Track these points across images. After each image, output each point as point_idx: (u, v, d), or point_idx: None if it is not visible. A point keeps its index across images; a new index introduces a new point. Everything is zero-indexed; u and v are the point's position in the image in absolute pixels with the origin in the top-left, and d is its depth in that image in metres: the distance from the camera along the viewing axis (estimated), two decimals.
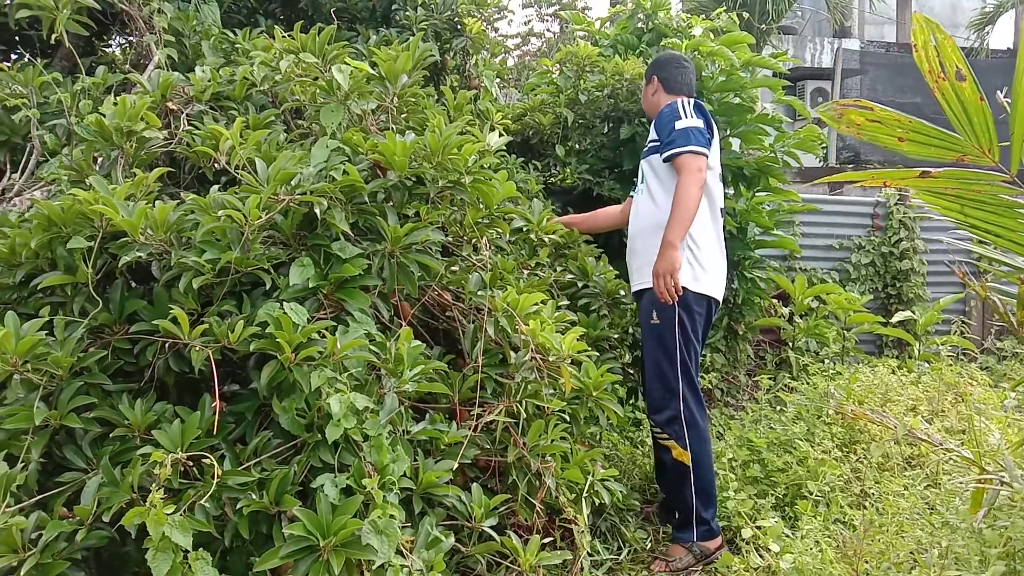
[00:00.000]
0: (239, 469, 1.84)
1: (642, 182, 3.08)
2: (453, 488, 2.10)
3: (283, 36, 2.79)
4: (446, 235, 2.53)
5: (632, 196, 3.28)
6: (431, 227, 2.29)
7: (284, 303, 1.92)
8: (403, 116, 2.85)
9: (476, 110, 3.73)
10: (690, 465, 2.82)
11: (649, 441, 3.30)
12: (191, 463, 1.79)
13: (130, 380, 2.03)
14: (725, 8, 5.03)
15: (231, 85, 2.79)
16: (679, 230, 2.76)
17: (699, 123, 2.86)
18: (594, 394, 2.62)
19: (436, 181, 2.36)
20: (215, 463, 1.75)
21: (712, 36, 4.25)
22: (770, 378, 4.57)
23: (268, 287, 2.02)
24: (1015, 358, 5.97)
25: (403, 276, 2.21)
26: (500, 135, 2.76)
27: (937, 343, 5.42)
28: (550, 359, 2.39)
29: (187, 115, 2.60)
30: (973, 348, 5.75)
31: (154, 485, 1.65)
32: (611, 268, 3.39)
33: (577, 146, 4.22)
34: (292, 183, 2.11)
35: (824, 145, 4.44)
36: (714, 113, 3.75)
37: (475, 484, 2.19)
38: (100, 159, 2.44)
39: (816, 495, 3.06)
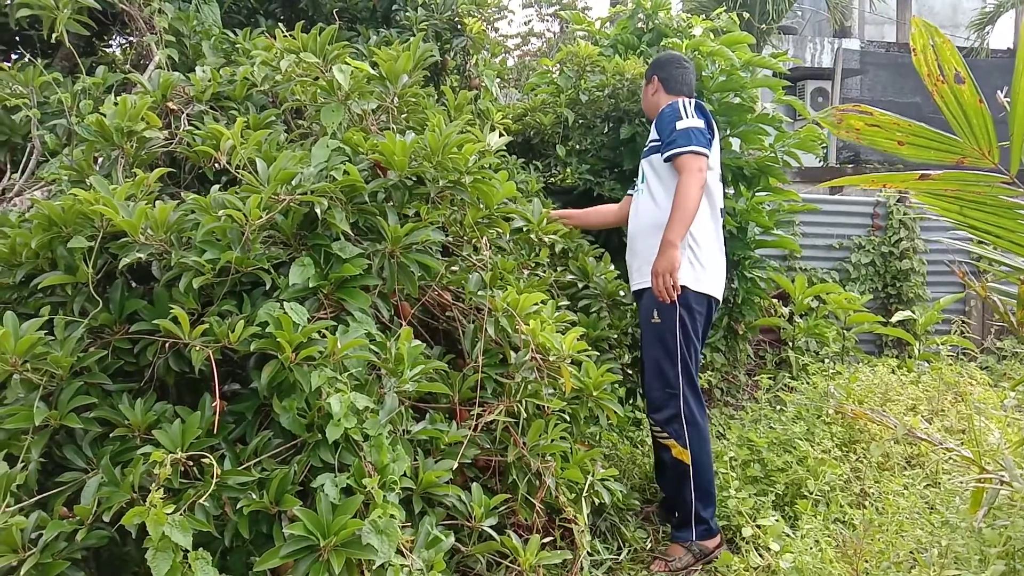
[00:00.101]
0: (239, 469, 1.84)
1: (642, 182, 3.09)
2: (453, 488, 2.10)
3: (284, 36, 2.79)
4: (446, 235, 2.53)
5: (630, 195, 3.29)
6: (431, 227, 2.29)
7: (284, 303, 1.92)
8: (403, 116, 2.85)
9: (476, 110, 3.72)
10: (690, 464, 2.83)
11: (649, 441, 3.30)
12: (191, 463, 1.79)
13: (130, 380, 2.02)
14: (725, 8, 5.02)
15: (231, 85, 2.79)
16: (679, 229, 2.77)
17: (700, 123, 2.87)
18: (594, 394, 2.62)
19: (436, 181, 2.36)
20: (215, 463, 1.74)
21: (712, 36, 4.24)
22: (770, 378, 4.57)
23: (268, 287, 2.02)
24: (1015, 358, 5.97)
25: (403, 276, 2.21)
26: (500, 135, 2.76)
27: (937, 343, 5.42)
28: (550, 359, 2.39)
29: (187, 115, 2.60)
30: (973, 348, 5.74)
31: (154, 485, 1.65)
32: (612, 268, 3.40)
33: (578, 146, 4.22)
34: (292, 183, 2.11)
35: (824, 145, 4.44)
36: (714, 113, 3.75)
37: (475, 484, 2.19)
38: (100, 159, 2.44)
39: (816, 494, 3.06)
